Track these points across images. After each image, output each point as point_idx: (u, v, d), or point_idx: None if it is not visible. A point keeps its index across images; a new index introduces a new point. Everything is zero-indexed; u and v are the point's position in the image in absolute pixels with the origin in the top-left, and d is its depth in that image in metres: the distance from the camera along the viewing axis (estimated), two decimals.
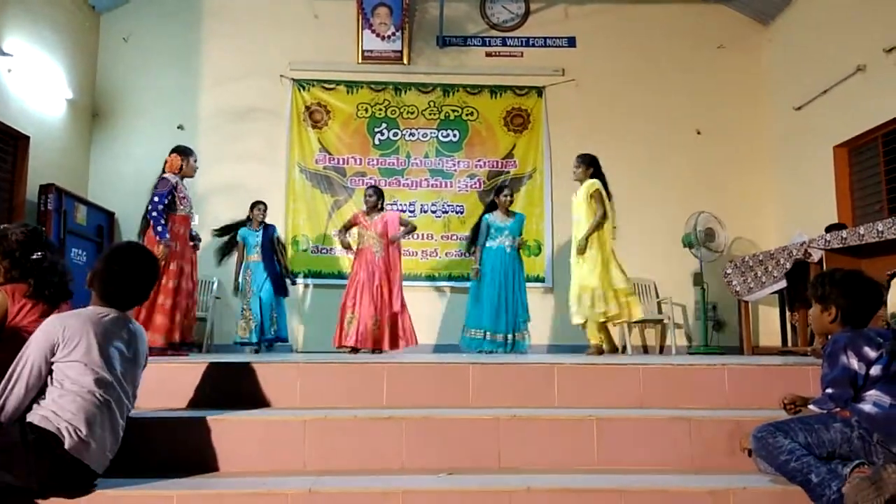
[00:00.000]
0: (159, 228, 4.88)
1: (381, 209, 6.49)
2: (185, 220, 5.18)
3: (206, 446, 2.82)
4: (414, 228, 6.73)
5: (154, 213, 4.90)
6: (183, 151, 5.25)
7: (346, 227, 6.67)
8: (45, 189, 6.94)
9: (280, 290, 7.05)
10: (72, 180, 7.65)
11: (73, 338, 2.37)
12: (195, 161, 5.31)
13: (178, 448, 2.83)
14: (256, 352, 6.84)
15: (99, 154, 8.27)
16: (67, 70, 7.67)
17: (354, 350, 6.12)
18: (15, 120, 6.76)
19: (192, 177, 5.34)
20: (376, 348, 6.13)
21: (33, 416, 2.31)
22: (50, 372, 2.36)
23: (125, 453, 2.57)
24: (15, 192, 6.82)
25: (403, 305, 6.32)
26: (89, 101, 8.25)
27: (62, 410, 2.30)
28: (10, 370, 2.34)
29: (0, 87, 6.56)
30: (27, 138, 6.93)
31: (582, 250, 5.56)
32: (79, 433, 2.29)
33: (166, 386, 3.30)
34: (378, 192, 6.55)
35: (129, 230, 7.88)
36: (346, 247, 6.51)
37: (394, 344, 6.22)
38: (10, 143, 6.83)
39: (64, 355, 2.35)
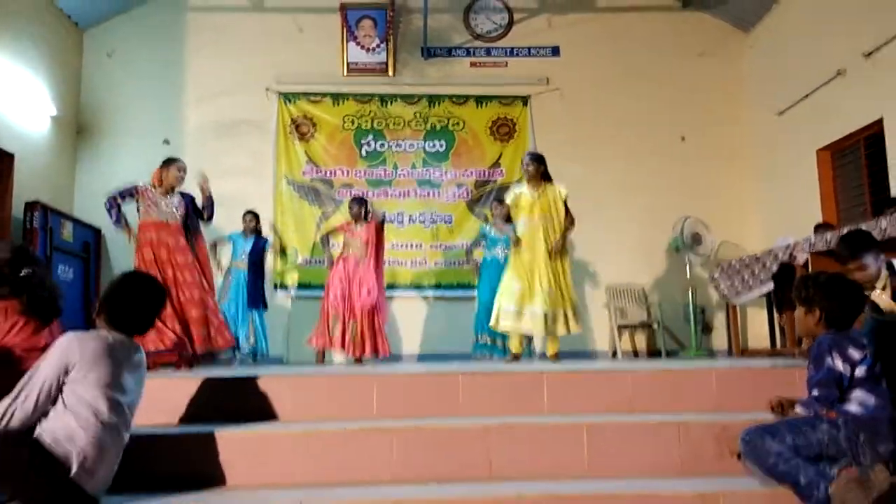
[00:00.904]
0: (112, 216, 5.11)
1: (366, 218, 6.43)
2: (157, 226, 5.09)
3: (196, 461, 2.81)
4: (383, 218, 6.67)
5: (106, 205, 5.12)
6: (164, 162, 5.30)
7: (331, 232, 6.81)
8: (30, 206, 6.89)
9: (255, 302, 6.99)
10: (57, 197, 7.61)
11: (90, 359, 2.36)
12: (178, 170, 5.24)
13: (170, 464, 2.81)
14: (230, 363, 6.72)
15: (84, 170, 8.23)
16: (51, 86, 7.64)
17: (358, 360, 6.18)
18: None
19: (175, 185, 5.25)
20: (360, 354, 6.12)
21: (45, 437, 2.27)
22: (60, 391, 2.33)
23: (119, 469, 2.55)
24: (0, 210, 6.77)
25: (382, 313, 6.32)
26: (74, 117, 8.23)
27: (76, 436, 2.27)
28: (20, 385, 2.31)
29: None
30: (11, 156, 6.89)
31: (558, 249, 5.42)
32: (86, 462, 2.27)
33: (157, 401, 3.27)
34: (360, 203, 6.49)
35: (115, 246, 7.84)
36: (331, 263, 6.52)
37: (374, 350, 6.17)
38: None
39: (80, 376, 2.33)
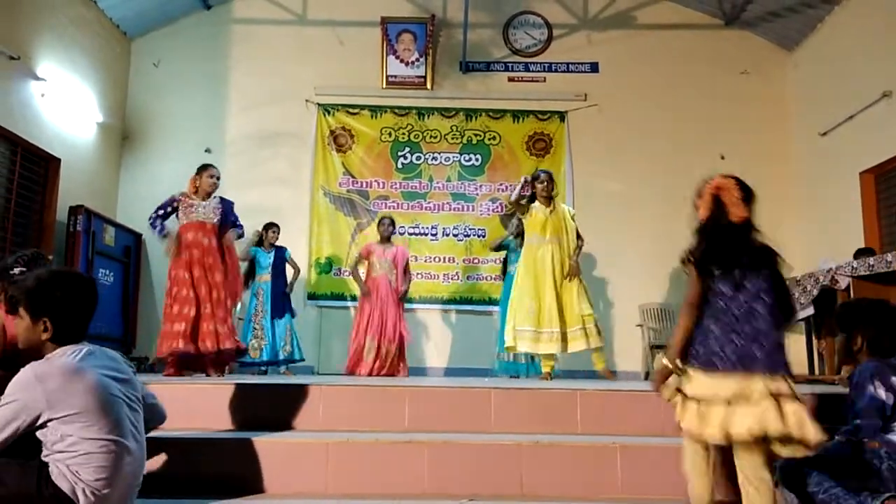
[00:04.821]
0: (156, 229, 5.35)
1: (390, 240, 6.85)
2: (194, 226, 5.31)
3: (227, 468, 2.84)
4: (410, 280, 7.07)
5: (150, 220, 5.36)
6: (198, 169, 5.51)
7: (360, 259, 6.91)
8: (74, 210, 7.06)
9: (284, 311, 7.03)
10: (101, 202, 7.78)
11: (59, 393, 2.12)
12: (210, 176, 5.45)
13: (200, 469, 2.84)
14: (264, 373, 6.83)
15: (128, 176, 8.41)
16: (99, 94, 7.84)
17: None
18: (47, 142, 6.91)
19: (209, 191, 5.45)
20: (389, 374, 6.44)
21: (52, 468, 2.12)
22: (44, 426, 2.13)
23: (148, 474, 2.57)
24: (45, 214, 6.95)
25: (406, 331, 6.72)
26: (119, 124, 8.42)
27: (81, 469, 2.12)
28: None
29: (33, 110, 6.72)
30: (58, 160, 7.07)
31: (576, 272, 5.54)
32: (96, 493, 2.13)
33: (188, 407, 3.32)
34: (394, 224, 6.93)
35: (156, 251, 7.95)
36: (364, 293, 6.72)
37: (404, 371, 6.59)
38: (42, 165, 6.98)
39: (56, 417, 2.11)
